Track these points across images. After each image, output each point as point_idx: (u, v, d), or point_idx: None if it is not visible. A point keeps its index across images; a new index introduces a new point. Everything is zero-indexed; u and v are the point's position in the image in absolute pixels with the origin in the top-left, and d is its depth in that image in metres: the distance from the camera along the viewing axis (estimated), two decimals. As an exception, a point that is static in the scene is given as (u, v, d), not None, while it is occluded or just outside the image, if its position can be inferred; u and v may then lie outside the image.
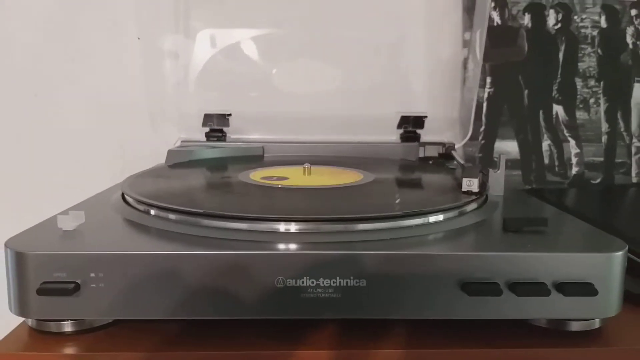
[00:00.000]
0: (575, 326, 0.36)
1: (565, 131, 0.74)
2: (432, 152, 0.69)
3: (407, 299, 0.34)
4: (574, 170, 0.74)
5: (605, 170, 0.74)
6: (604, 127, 0.74)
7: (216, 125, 0.69)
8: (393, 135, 0.72)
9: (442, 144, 0.69)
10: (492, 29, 0.71)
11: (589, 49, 0.74)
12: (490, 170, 0.50)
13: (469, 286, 0.33)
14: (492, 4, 0.72)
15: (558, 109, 0.74)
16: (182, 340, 0.35)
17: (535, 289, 0.34)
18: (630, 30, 0.74)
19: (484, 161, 0.72)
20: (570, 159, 0.74)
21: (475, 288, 0.33)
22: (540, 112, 0.74)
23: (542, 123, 0.74)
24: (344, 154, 0.68)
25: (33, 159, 0.73)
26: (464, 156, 0.72)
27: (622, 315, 0.36)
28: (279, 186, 0.49)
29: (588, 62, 0.74)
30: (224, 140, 0.70)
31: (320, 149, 0.69)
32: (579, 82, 0.74)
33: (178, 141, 0.70)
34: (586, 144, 0.74)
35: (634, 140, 0.75)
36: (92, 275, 0.33)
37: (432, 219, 0.40)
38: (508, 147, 0.73)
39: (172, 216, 0.40)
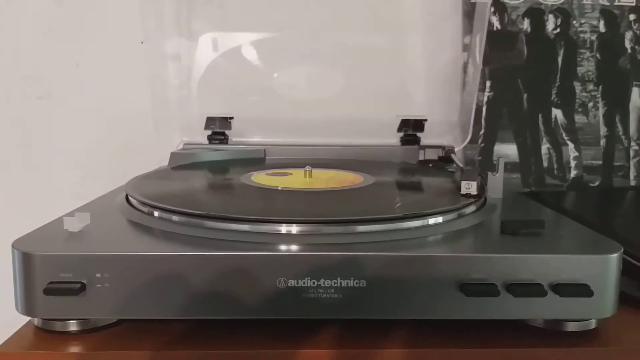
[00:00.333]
0: (571, 327, 0.37)
1: (564, 135, 0.74)
2: (432, 155, 0.70)
3: (406, 300, 0.34)
4: (573, 173, 0.74)
5: (604, 174, 0.75)
6: (603, 130, 0.75)
7: (218, 128, 0.70)
8: (393, 138, 0.72)
9: (442, 147, 0.70)
10: (491, 34, 0.72)
11: (588, 54, 0.74)
12: (489, 173, 0.50)
13: (467, 287, 0.34)
14: (492, 9, 0.72)
15: (557, 113, 0.74)
16: (186, 339, 0.36)
17: (532, 290, 0.34)
18: (628, 35, 0.75)
19: (484, 164, 0.72)
20: (569, 162, 0.74)
21: (473, 289, 0.34)
22: (540, 115, 0.74)
23: (541, 126, 0.74)
24: (345, 157, 0.68)
25: (37, 162, 0.73)
26: (463, 159, 0.72)
27: (618, 316, 0.37)
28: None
29: (587, 66, 0.74)
30: (226, 143, 0.70)
31: (321, 152, 0.70)
32: (577, 86, 0.74)
33: (181, 144, 0.70)
34: (585, 147, 0.74)
35: (632, 143, 0.75)
36: (98, 275, 0.34)
37: (431, 221, 0.41)
38: (507, 151, 0.74)
39: (175, 218, 0.40)
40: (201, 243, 0.36)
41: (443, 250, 0.36)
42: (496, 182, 0.50)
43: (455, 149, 0.69)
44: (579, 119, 0.75)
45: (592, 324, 0.37)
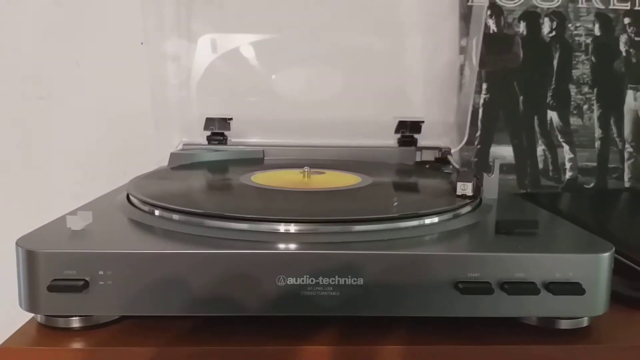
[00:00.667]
0: (564, 324, 0.37)
1: (559, 137, 0.75)
2: (429, 156, 0.71)
3: (402, 297, 0.35)
4: (568, 174, 0.75)
5: (598, 175, 0.75)
6: (597, 132, 0.76)
7: (217, 129, 0.71)
8: (391, 139, 0.73)
9: (439, 149, 0.71)
10: (488, 37, 0.73)
11: (583, 57, 0.75)
12: (485, 174, 0.51)
13: (462, 285, 0.35)
14: (488, 12, 0.73)
15: (552, 115, 0.75)
16: (187, 336, 0.37)
17: (525, 288, 0.35)
18: (623, 38, 0.76)
19: (480, 165, 0.73)
20: (564, 164, 0.75)
21: (468, 287, 0.35)
22: (535, 117, 0.75)
23: (537, 128, 0.75)
24: (343, 158, 0.69)
25: (37, 162, 0.74)
26: (460, 161, 0.73)
27: (611, 315, 0.37)
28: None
29: (582, 69, 0.75)
30: (225, 143, 0.71)
31: (319, 153, 0.70)
32: (573, 89, 0.75)
33: (180, 144, 0.71)
34: (580, 149, 0.75)
35: (627, 145, 0.76)
36: (101, 272, 0.34)
37: (428, 221, 0.41)
38: (503, 152, 0.74)
39: (176, 217, 0.41)
40: (202, 241, 0.37)
41: (439, 249, 0.37)
42: (491, 184, 0.51)
43: (452, 151, 0.70)
44: (574, 121, 0.75)
45: (585, 322, 0.38)
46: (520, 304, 0.35)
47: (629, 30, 0.75)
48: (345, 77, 0.74)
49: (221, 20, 0.73)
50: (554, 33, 0.75)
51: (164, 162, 0.65)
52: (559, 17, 0.75)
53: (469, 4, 0.73)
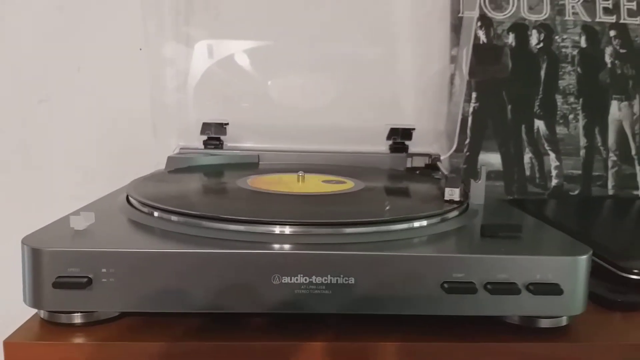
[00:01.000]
0: (544, 323, 0.39)
1: (545, 145, 0.77)
2: (419, 162, 0.72)
3: (392, 296, 0.37)
4: (554, 182, 0.77)
5: (583, 183, 0.77)
6: (582, 141, 0.78)
7: (214, 134, 0.71)
8: (382, 146, 0.74)
9: (429, 155, 0.72)
10: (477, 47, 0.75)
11: (569, 68, 0.77)
12: (472, 180, 0.53)
13: (448, 285, 0.36)
14: (478, 23, 0.75)
15: (539, 124, 0.77)
16: (184, 332, 0.38)
17: (507, 288, 0.37)
18: (608, 50, 0.78)
19: (468, 172, 0.75)
20: (550, 172, 0.77)
21: (453, 287, 0.36)
22: (523, 126, 0.77)
23: (524, 137, 0.77)
24: (336, 163, 0.70)
25: (37, 163, 0.75)
26: (449, 167, 0.75)
27: (589, 315, 0.40)
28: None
29: (568, 79, 0.77)
30: (221, 148, 0.71)
31: (313, 158, 0.71)
32: (559, 99, 0.77)
33: (177, 148, 0.72)
34: (565, 157, 0.77)
35: (611, 154, 0.78)
36: (104, 270, 0.36)
37: (416, 224, 0.43)
38: (491, 159, 0.76)
39: (175, 218, 0.42)
40: (200, 242, 0.38)
41: (426, 250, 0.39)
42: (478, 189, 0.52)
43: (442, 157, 0.71)
44: (560, 130, 0.77)
45: (564, 321, 0.40)
46: (502, 304, 0.37)
47: (614, 43, 0.78)
48: (339, 85, 0.75)
49: (218, 27, 0.74)
50: (541, 44, 0.77)
51: (162, 165, 0.66)
52: (547, 29, 0.77)
53: (460, 15, 0.75)
